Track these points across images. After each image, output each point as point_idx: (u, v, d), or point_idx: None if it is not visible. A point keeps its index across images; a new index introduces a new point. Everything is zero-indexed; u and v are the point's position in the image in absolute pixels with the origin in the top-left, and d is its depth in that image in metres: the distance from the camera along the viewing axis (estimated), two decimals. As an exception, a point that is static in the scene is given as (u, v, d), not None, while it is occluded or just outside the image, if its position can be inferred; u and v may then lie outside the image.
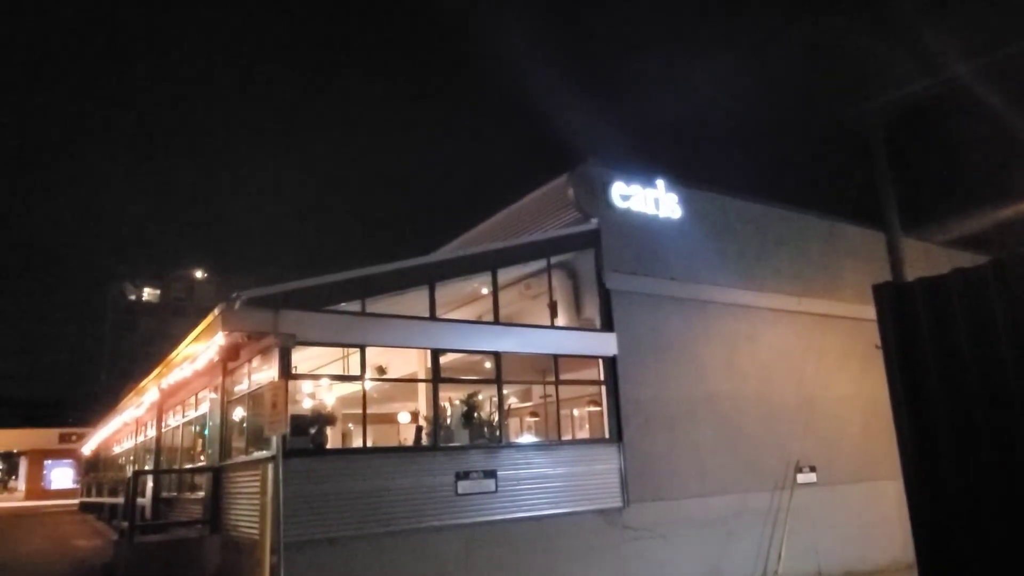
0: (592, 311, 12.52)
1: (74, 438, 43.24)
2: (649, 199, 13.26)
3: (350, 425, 13.96)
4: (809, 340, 14.66)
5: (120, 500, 16.98)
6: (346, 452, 11.17)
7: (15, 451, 51.52)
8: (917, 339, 4.18)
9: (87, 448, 34.88)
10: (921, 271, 5.20)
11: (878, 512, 14.15)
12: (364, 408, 10.04)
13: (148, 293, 79.41)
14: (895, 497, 13.54)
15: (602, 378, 12.14)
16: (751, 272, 14.43)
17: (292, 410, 9.70)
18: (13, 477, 55.33)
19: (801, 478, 13.62)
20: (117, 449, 26.75)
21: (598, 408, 12.69)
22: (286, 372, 9.39)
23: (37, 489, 47.32)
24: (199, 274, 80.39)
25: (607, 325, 12.27)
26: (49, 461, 48.65)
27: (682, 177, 14.00)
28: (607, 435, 11.93)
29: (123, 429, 24.07)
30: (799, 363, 14.42)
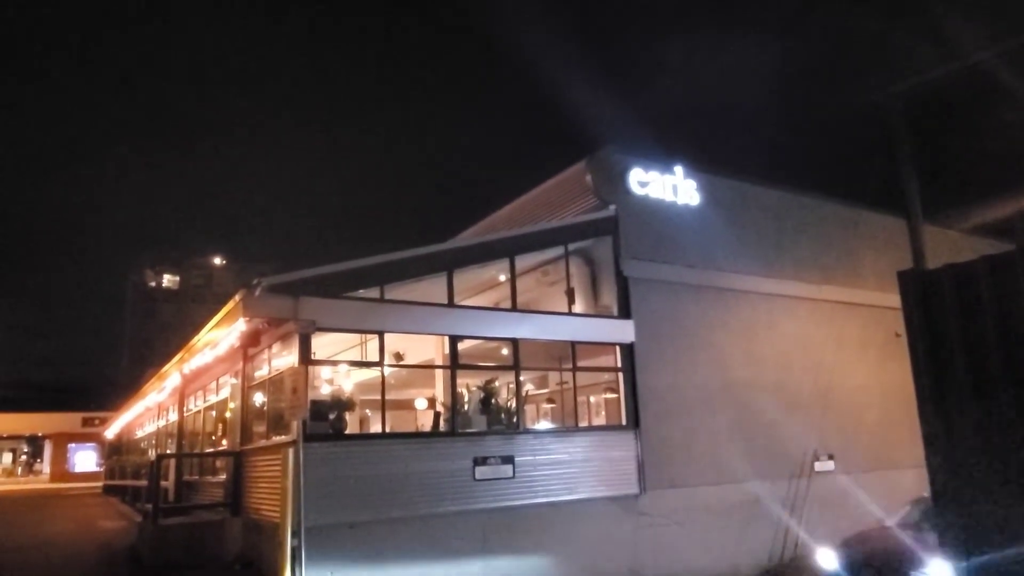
0: (609, 298, 12.51)
1: (97, 422, 43.97)
2: (667, 185, 13.20)
3: (367, 411, 14.08)
4: (829, 328, 14.57)
5: (143, 483, 17.26)
6: (365, 437, 11.29)
7: (40, 434, 52.46)
8: (943, 327, 4.13)
9: (110, 432, 35.42)
10: (943, 258, 5.14)
11: (897, 500, 14.07)
12: (383, 394, 10.13)
13: (167, 280, 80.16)
14: (914, 485, 13.49)
15: (619, 365, 12.15)
16: (770, 259, 14.34)
17: (311, 395, 9.82)
18: (38, 460, 56.36)
19: (819, 466, 13.59)
20: (139, 433, 27.15)
21: (615, 395, 12.70)
22: (306, 358, 9.48)
23: (61, 472, 48.20)
24: (217, 261, 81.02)
25: (624, 312, 12.26)
26: (73, 444, 49.49)
27: (701, 164, 13.92)
28: (624, 422, 11.95)
29: (145, 413, 24.42)
30: (818, 351, 14.33)
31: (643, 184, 12.89)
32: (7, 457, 57.09)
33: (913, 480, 13.52)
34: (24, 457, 58.63)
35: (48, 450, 51.64)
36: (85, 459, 49.28)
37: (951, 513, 4.01)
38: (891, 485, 14.18)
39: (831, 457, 13.79)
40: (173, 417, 18.27)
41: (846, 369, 14.53)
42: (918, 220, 16.22)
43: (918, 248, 15.60)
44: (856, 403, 14.49)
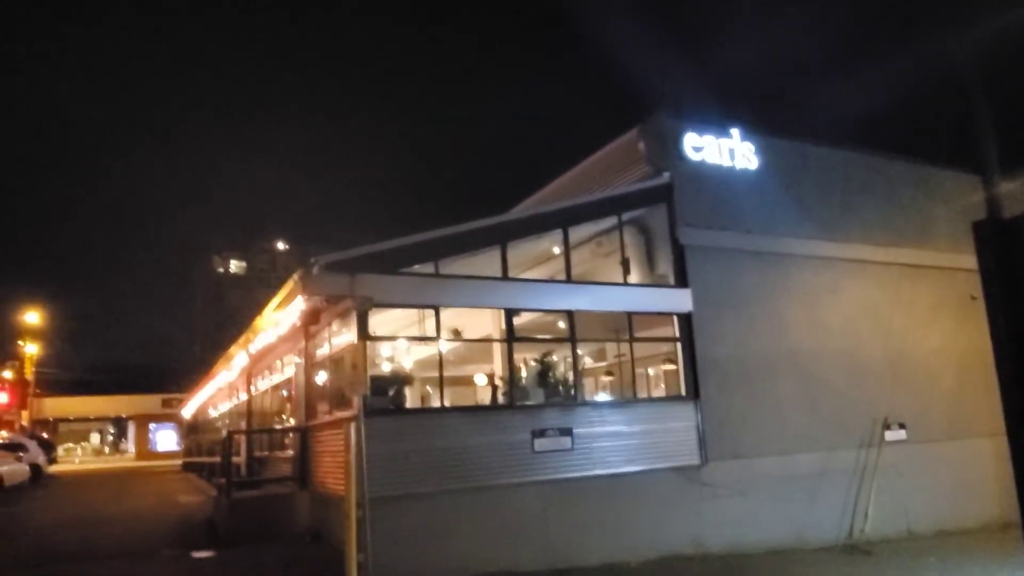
0: (665, 267, 12.29)
1: (175, 403, 46.09)
2: (724, 149, 12.82)
3: (428, 388, 14.28)
4: (898, 292, 13.98)
5: (217, 459, 18.03)
6: (425, 411, 11.46)
7: (124, 416, 55.46)
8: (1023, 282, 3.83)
9: (187, 412, 37.08)
10: (1019, 211, 4.77)
11: (973, 471, 13.52)
12: (440, 368, 10.24)
13: (235, 266, 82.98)
14: (991, 455, 12.96)
15: (677, 335, 11.96)
16: (834, 222, 13.82)
17: (371, 372, 10.00)
18: (123, 440, 59.57)
19: (890, 435, 13.13)
20: (213, 412, 28.32)
21: (674, 366, 12.53)
22: (364, 334, 9.65)
23: (144, 450, 50.94)
24: (281, 245, 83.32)
25: (681, 281, 12.03)
26: (154, 424, 52.16)
27: (759, 125, 13.47)
28: (683, 392, 11.79)
29: (217, 394, 25.43)
30: (887, 316, 13.78)
31: (697, 149, 12.56)
32: (95, 437, 60.58)
33: (991, 450, 12.98)
34: (111, 437, 62.09)
35: (132, 430, 54.55)
36: (165, 438, 51.86)
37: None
38: (967, 455, 13.63)
39: (903, 426, 13.29)
40: (243, 396, 18.96)
41: (918, 334, 13.95)
42: (993, 168, 15.28)
43: (993, 197, 14.72)
44: (929, 369, 13.91)
